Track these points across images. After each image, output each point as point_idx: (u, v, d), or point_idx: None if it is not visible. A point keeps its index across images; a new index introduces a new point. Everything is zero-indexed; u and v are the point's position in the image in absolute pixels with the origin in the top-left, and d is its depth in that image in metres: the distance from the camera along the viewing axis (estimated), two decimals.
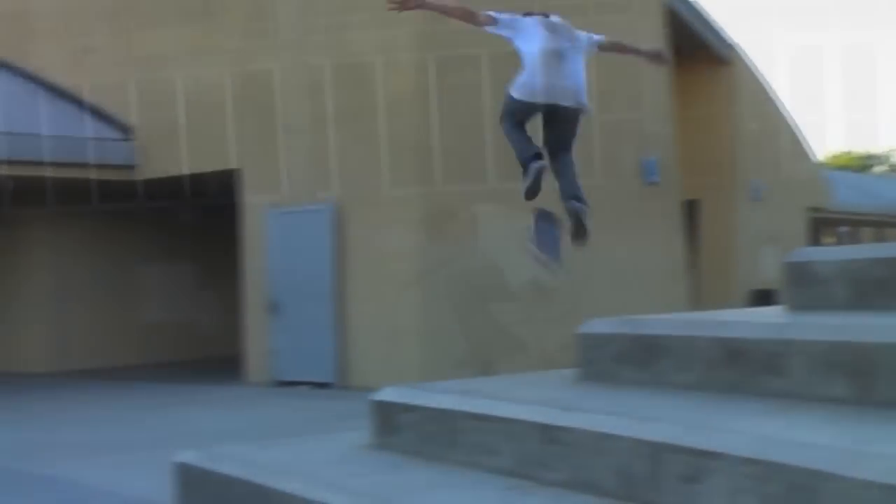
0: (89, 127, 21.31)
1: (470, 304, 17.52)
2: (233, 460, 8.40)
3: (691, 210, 24.08)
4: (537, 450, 6.61)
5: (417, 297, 17.64)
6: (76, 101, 21.92)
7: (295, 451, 8.67)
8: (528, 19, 8.56)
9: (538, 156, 8.54)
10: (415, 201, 17.67)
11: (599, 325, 7.90)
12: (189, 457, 8.75)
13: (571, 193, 8.64)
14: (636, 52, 9.01)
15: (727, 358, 6.73)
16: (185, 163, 20.30)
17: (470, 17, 8.55)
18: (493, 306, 17.86)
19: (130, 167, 21.10)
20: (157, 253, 24.19)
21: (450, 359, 16.98)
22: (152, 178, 20.98)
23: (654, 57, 8.99)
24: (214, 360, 22.67)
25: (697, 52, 24.49)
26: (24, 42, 23.24)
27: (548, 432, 6.55)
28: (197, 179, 20.62)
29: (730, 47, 25.49)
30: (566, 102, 8.41)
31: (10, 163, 19.57)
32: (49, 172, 20.24)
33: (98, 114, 21.61)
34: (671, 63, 8.93)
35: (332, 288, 18.26)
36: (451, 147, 17.75)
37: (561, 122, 8.58)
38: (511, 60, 8.77)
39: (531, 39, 8.46)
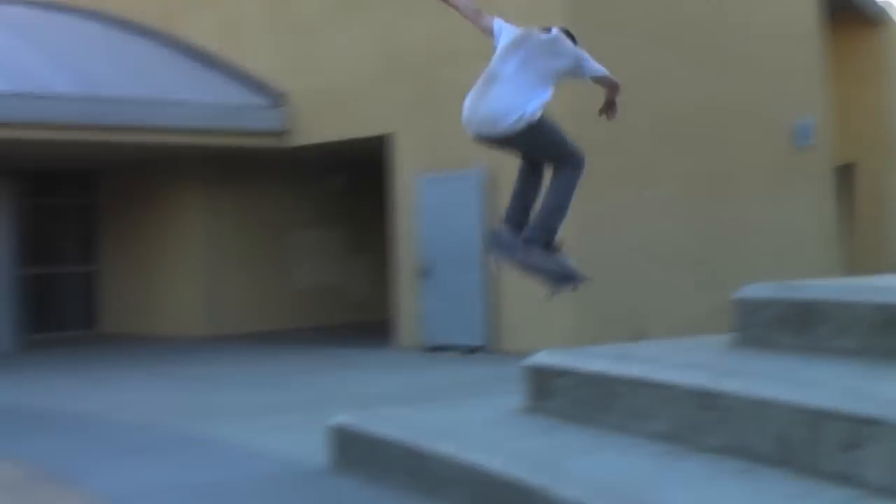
0: (240, 94, 21.61)
1: (622, 268, 17.45)
2: (388, 422, 8.54)
3: (845, 175, 23.67)
4: (693, 415, 6.61)
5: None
6: (227, 69, 22.25)
7: (449, 414, 8.79)
8: (505, 34, 7.53)
9: (506, 217, 7.66)
10: None
11: (756, 291, 7.84)
12: (345, 419, 8.91)
13: (526, 232, 7.68)
14: (612, 95, 8.09)
15: (887, 324, 6.65)
16: (336, 129, 20.50)
17: (476, 18, 7.72)
18: (645, 271, 17.80)
19: (281, 134, 21.34)
20: (308, 219, 24.43)
21: (600, 324, 16.94)
22: (303, 144, 21.22)
23: (609, 105, 8.16)
24: (365, 325, 22.92)
25: (848, 13, 24.05)
26: (175, 11, 23.65)
27: (704, 398, 6.54)
28: (348, 146, 20.80)
29: (881, 9, 24.99)
30: (488, 131, 7.34)
31: (161, 130, 19.94)
32: (200, 140, 20.62)
33: (249, 81, 21.90)
34: (619, 118, 8.01)
35: (484, 253, 18.28)
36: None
37: (508, 145, 7.57)
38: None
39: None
